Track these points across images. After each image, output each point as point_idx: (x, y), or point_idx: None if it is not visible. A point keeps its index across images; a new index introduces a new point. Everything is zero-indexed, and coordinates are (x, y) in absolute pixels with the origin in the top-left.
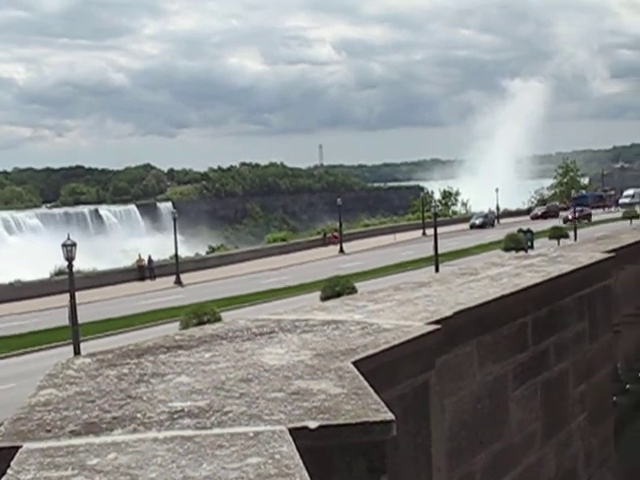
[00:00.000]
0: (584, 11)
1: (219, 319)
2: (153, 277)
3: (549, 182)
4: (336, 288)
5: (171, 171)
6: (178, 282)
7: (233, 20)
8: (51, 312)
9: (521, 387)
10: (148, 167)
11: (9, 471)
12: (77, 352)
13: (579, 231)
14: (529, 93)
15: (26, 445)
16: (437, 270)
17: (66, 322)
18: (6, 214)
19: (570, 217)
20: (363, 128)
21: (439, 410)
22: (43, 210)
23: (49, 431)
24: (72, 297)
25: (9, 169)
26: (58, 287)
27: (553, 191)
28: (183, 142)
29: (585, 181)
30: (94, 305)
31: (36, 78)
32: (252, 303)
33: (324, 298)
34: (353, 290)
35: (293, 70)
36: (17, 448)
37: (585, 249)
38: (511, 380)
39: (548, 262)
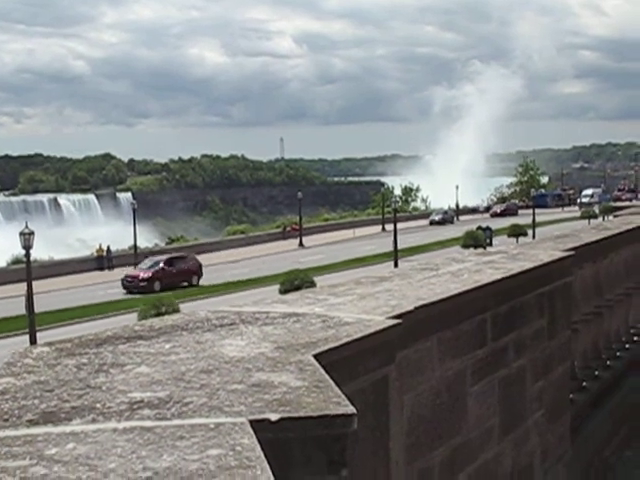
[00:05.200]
0: (545, 12)
1: (177, 310)
2: (111, 267)
3: (509, 180)
4: (295, 282)
5: (131, 161)
6: None
7: (193, 11)
8: (6, 301)
9: (480, 383)
10: (108, 157)
11: None
12: (33, 341)
13: (538, 229)
14: (490, 91)
15: None
16: (396, 265)
17: (21, 311)
18: None
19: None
20: (324, 122)
21: (398, 404)
22: (1, 198)
23: (6, 420)
24: (29, 286)
25: None
26: (14, 276)
27: (513, 189)
28: (143, 132)
29: (545, 180)
30: (51, 295)
31: None
32: (211, 295)
33: (283, 291)
34: (312, 284)
35: (254, 62)
36: None
37: (545, 247)
38: (470, 376)
39: (508, 259)
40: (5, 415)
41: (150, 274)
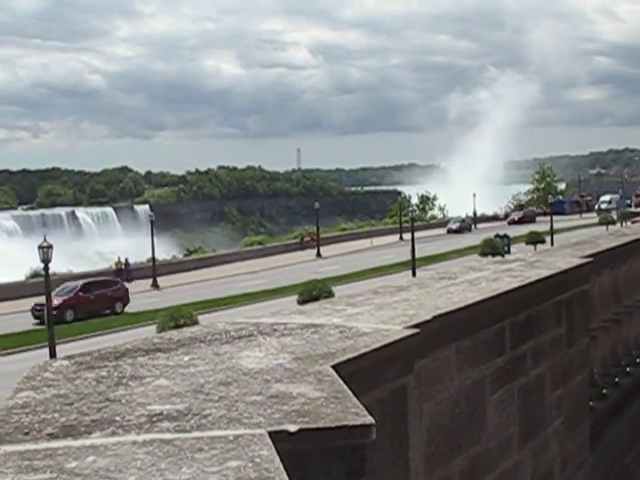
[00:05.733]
0: (560, 18)
1: (196, 322)
2: (130, 280)
3: (526, 188)
4: (313, 292)
5: (148, 174)
6: (155, 285)
7: (208, 23)
8: (25, 315)
9: (499, 391)
10: (125, 169)
11: None
12: (52, 355)
13: (555, 236)
14: (506, 98)
15: (4, 448)
16: (414, 274)
17: (40, 325)
18: None
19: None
20: (340, 132)
21: (417, 414)
22: (19, 212)
23: (27, 434)
24: (48, 299)
25: None
26: (33, 290)
27: (530, 196)
28: (160, 145)
29: (562, 187)
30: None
31: (10, 79)
32: (229, 306)
33: (301, 302)
34: (330, 294)
35: (269, 74)
36: None
37: (563, 254)
38: (489, 384)
39: (526, 267)
40: (25, 429)
41: (60, 301)
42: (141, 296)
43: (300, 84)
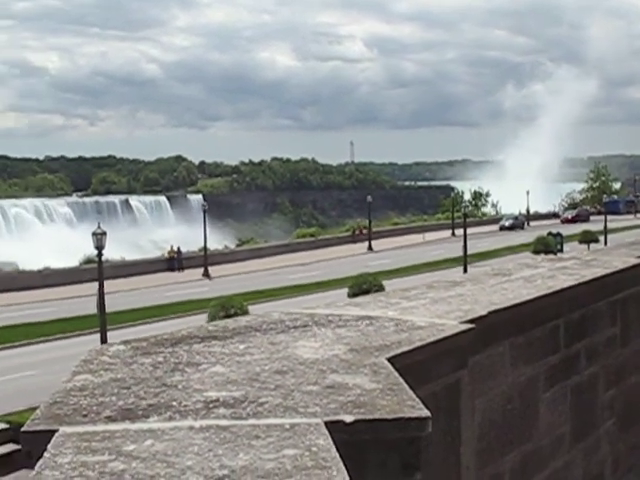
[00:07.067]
0: (617, 15)
1: (246, 312)
2: (181, 268)
3: (580, 186)
4: (364, 285)
5: (202, 163)
6: (206, 274)
7: (264, 15)
8: (78, 300)
9: (551, 389)
10: (179, 159)
11: (46, 454)
12: (104, 340)
13: (610, 236)
14: (561, 95)
15: (63, 429)
16: (465, 271)
17: (92, 311)
18: (38, 202)
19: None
20: (394, 126)
21: (470, 409)
22: (74, 199)
23: (85, 416)
24: (101, 286)
25: (41, 157)
26: (86, 275)
27: (584, 195)
28: (214, 135)
29: (617, 186)
30: (122, 294)
31: (69, 67)
32: (279, 297)
33: (351, 295)
34: (381, 288)
35: (325, 66)
36: (54, 432)
37: (619, 254)
38: (542, 382)
39: (582, 265)
40: (84, 411)
41: None
42: (192, 285)
43: (355, 77)
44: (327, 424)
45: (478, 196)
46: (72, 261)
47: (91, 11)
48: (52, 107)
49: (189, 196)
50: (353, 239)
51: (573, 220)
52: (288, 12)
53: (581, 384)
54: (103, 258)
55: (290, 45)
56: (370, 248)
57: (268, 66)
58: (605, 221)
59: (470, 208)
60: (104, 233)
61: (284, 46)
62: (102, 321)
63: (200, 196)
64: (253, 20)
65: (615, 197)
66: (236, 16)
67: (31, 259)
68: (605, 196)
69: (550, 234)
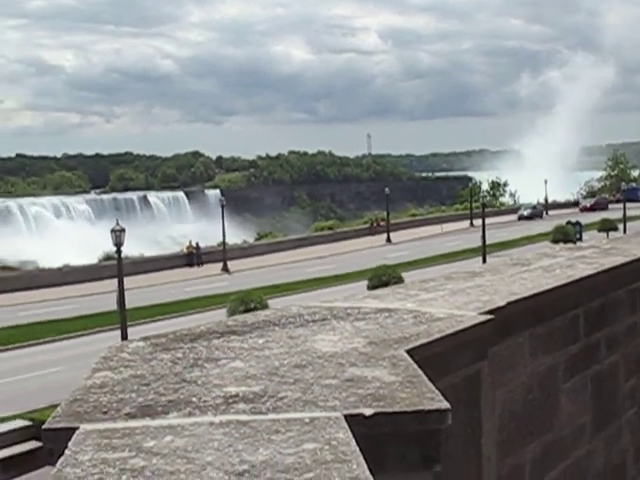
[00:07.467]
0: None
1: (266, 306)
2: (200, 264)
3: (599, 174)
4: (383, 277)
5: (219, 158)
6: (225, 269)
7: (278, 8)
8: (98, 297)
9: (572, 379)
10: (196, 154)
11: (67, 452)
12: (125, 337)
13: (629, 224)
14: (579, 83)
15: (83, 426)
16: (484, 261)
17: (112, 307)
18: (56, 199)
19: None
20: (410, 118)
21: (490, 400)
22: (92, 196)
23: (105, 413)
24: (120, 282)
25: (59, 155)
26: (105, 272)
27: (603, 183)
28: (230, 130)
29: (635, 174)
30: (141, 291)
31: (84, 65)
32: (299, 291)
33: (371, 287)
34: (400, 279)
35: (339, 59)
36: (74, 429)
37: (638, 242)
38: (562, 372)
39: (601, 254)
40: (104, 408)
41: None
42: (211, 280)
43: (370, 69)
44: (347, 417)
45: (496, 186)
46: (91, 258)
47: (105, 9)
48: (68, 105)
49: (207, 191)
50: (371, 231)
51: (592, 208)
52: (301, 5)
53: (601, 373)
54: (122, 255)
55: (304, 38)
56: (388, 240)
57: (282, 60)
58: (624, 209)
59: (488, 198)
60: (123, 230)
61: (298, 39)
62: (122, 317)
63: (218, 191)
64: (267, 14)
65: (634, 185)
66: (250, 10)
67: (51, 257)
68: (624, 184)
69: (569, 223)
